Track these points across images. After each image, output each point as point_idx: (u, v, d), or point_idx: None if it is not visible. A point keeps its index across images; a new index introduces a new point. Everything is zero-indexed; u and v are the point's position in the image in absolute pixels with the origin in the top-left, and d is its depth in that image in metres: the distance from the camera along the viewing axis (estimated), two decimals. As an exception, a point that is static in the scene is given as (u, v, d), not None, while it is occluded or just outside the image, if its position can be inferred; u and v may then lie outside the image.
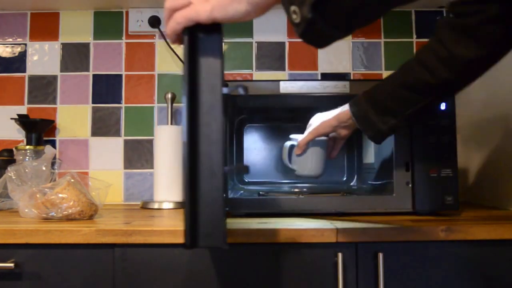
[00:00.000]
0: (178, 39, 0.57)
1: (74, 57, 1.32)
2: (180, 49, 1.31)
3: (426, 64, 0.72)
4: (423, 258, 0.75)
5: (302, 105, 1.02)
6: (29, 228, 0.74)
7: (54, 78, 1.31)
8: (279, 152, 1.03)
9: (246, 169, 0.64)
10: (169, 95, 1.21)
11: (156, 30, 1.30)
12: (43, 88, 1.31)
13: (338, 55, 1.32)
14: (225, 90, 0.54)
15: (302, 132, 0.93)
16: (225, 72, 1.04)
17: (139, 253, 0.74)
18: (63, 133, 1.30)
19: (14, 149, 1.18)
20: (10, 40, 1.32)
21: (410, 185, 0.87)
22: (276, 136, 1.17)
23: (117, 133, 1.30)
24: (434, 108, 0.87)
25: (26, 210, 0.86)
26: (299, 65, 1.31)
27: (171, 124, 1.22)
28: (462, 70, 0.71)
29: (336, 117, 0.87)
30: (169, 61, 1.32)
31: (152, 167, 1.28)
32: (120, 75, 1.31)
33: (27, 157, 1.16)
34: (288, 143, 0.97)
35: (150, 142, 1.30)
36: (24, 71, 1.31)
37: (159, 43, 1.32)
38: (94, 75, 1.31)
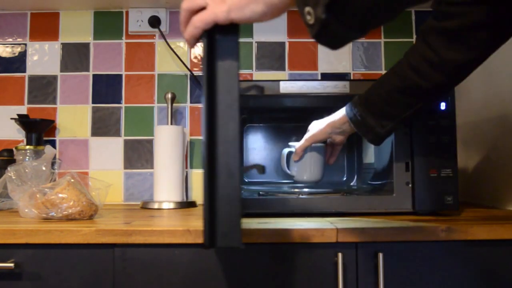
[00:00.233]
0: (196, 43, 0.57)
1: (74, 57, 1.32)
2: (180, 49, 1.31)
3: (418, 70, 0.73)
4: (423, 258, 0.75)
5: (302, 105, 1.03)
6: (29, 228, 0.74)
7: (54, 78, 1.31)
8: (279, 152, 1.04)
9: (262, 169, 0.64)
10: (169, 95, 1.21)
11: (156, 30, 1.30)
12: (43, 88, 1.31)
13: (338, 55, 1.32)
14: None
15: (302, 131, 0.94)
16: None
17: (139, 253, 0.74)
18: (63, 133, 1.30)
19: (14, 149, 1.18)
20: (10, 40, 1.32)
21: (410, 185, 0.87)
22: (276, 136, 1.17)
23: (117, 133, 1.30)
24: (430, 107, 0.88)
25: (26, 210, 0.86)
26: (299, 65, 1.31)
27: (171, 124, 1.22)
28: (454, 73, 0.73)
29: (331, 124, 0.88)
30: (169, 61, 1.32)
31: (152, 167, 1.28)
32: (120, 75, 1.31)
33: (27, 157, 1.16)
34: (286, 150, 0.99)
35: (150, 142, 1.30)
36: (24, 71, 1.31)
37: (159, 43, 1.32)
38: (94, 75, 1.31)
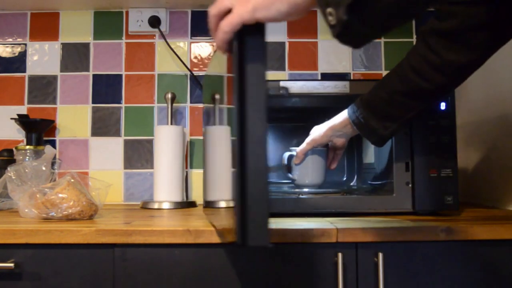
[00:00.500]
0: (229, 48, 0.56)
1: (74, 57, 1.32)
2: (180, 49, 1.31)
3: (419, 71, 0.73)
4: (423, 258, 0.75)
5: (302, 105, 1.02)
6: (29, 228, 0.74)
7: (54, 78, 1.31)
8: (279, 152, 1.04)
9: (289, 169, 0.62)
10: (169, 95, 1.21)
11: (156, 30, 1.30)
12: (43, 88, 1.31)
13: (338, 55, 1.32)
14: None
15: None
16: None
17: (139, 253, 0.74)
18: (63, 133, 1.30)
19: (14, 149, 1.18)
20: (10, 40, 1.32)
21: (410, 185, 0.87)
22: (276, 136, 1.17)
23: (117, 133, 1.30)
24: (430, 107, 0.88)
25: (26, 210, 0.86)
26: (299, 65, 1.31)
27: (171, 124, 1.22)
28: (456, 74, 0.73)
29: (331, 127, 0.88)
30: (169, 61, 1.32)
31: (152, 167, 1.28)
32: (120, 75, 1.31)
33: (27, 157, 1.16)
34: (286, 154, 0.99)
35: (150, 142, 1.30)
36: (24, 71, 1.31)
37: (159, 43, 1.32)
38: (94, 75, 1.31)
